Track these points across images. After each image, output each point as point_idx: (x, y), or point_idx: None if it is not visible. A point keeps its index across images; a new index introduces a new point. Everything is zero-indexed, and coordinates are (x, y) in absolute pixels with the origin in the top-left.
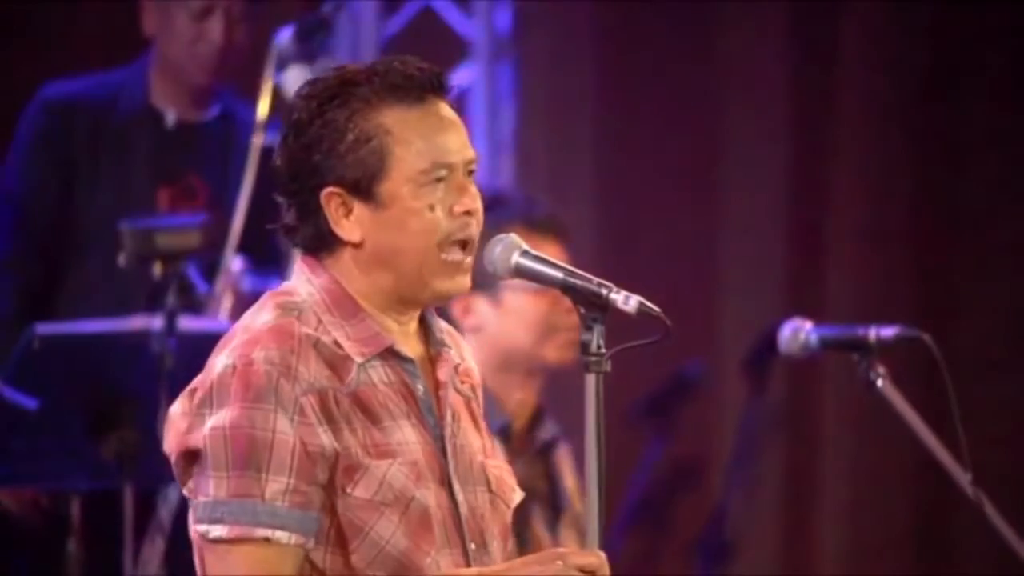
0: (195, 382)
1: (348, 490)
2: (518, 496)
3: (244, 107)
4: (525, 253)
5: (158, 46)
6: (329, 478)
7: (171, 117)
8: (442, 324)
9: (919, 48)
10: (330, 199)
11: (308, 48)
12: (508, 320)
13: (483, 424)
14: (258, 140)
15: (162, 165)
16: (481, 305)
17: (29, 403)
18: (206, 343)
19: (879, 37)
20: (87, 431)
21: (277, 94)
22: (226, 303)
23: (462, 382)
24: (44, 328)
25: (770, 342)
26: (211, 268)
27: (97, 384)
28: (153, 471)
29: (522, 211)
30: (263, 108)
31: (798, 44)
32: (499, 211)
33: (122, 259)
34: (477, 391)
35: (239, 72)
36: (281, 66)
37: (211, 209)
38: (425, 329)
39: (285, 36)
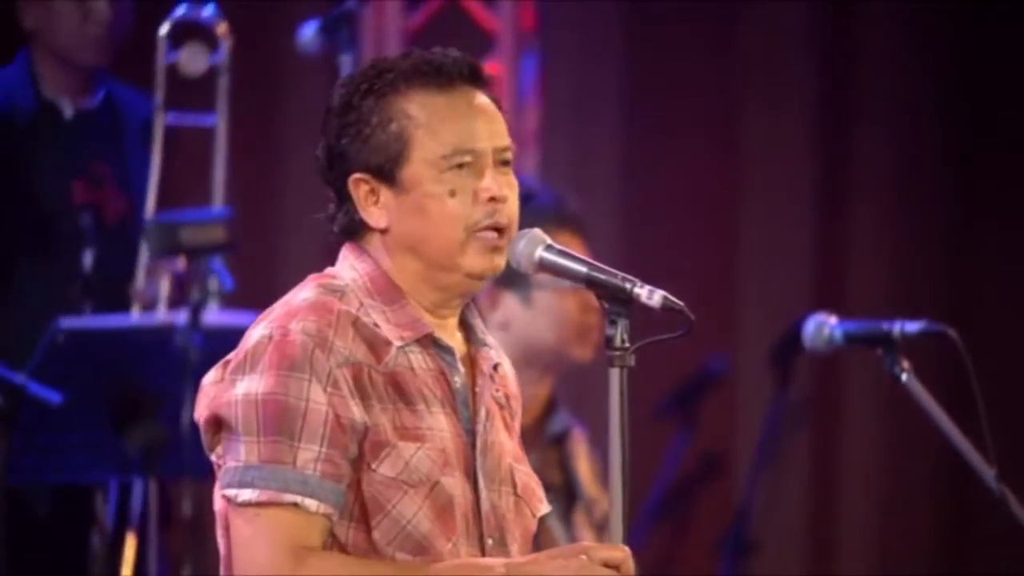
0: (231, 354)
1: (373, 466)
2: (545, 508)
3: (124, 89)
4: (549, 247)
5: (42, 38)
6: (357, 452)
7: (68, 109)
8: (486, 331)
9: (948, 39)
10: (358, 185)
11: (333, 42)
12: (537, 319)
13: (516, 434)
14: (160, 121)
15: (69, 158)
16: (510, 302)
17: (54, 397)
18: (231, 337)
19: (906, 27)
20: (112, 425)
21: (173, 74)
22: (164, 288)
23: (497, 389)
24: (68, 323)
25: (794, 337)
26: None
27: (122, 378)
28: (177, 465)
29: (549, 207)
30: (160, 91)
31: (822, 36)
32: (531, 207)
33: (147, 254)
34: (512, 402)
35: (125, 49)
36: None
37: (119, 195)
38: (466, 329)
39: (310, 30)
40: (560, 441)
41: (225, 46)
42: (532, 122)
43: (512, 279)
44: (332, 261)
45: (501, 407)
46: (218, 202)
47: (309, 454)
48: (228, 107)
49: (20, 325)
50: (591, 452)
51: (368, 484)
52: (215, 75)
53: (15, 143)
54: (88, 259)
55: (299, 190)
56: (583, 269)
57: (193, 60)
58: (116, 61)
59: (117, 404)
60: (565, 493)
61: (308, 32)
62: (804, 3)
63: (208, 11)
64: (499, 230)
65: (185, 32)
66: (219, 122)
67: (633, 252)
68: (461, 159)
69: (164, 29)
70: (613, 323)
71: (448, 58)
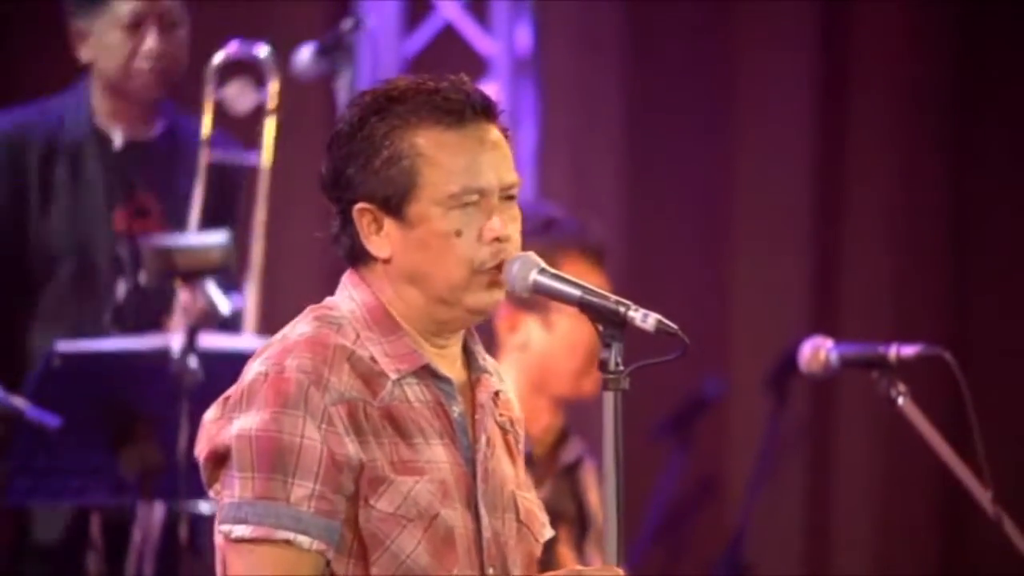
0: (229, 390)
1: (371, 502)
2: (548, 533)
3: (187, 121)
4: (543, 271)
5: (96, 69)
6: (354, 489)
7: (119, 138)
8: (486, 355)
9: (946, 56)
10: (362, 214)
11: (329, 65)
12: (555, 344)
13: (520, 459)
14: (204, 157)
15: (114, 187)
16: (530, 325)
17: (51, 421)
18: (226, 360)
19: (905, 35)
20: (108, 448)
21: (219, 109)
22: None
23: (501, 414)
24: (65, 346)
25: (790, 360)
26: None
27: (118, 401)
28: (173, 488)
29: (570, 235)
30: (206, 124)
31: (822, 55)
32: (553, 234)
33: (143, 278)
34: (516, 426)
35: (180, 82)
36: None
37: (165, 227)
38: (467, 356)
39: (306, 53)
40: (572, 471)
41: (272, 85)
42: (528, 147)
43: (534, 302)
44: (333, 287)
45: (505, 432)
46: (259, 240)
47: (303, 491)
48: (275, 146)
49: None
50: (599, 484)
51: (366, 520)
52: (262, 113)
53: (61, 169)
54: (121, 289)
55: (297, 215)
56: (576, 292)
57: (239, 97)
58: (170, 94)
59: (113, 427)
60: (578, 522)
61: (304, 55)
62: (806, 10)
63: (261, 49)
64: (498, 268)
65: (236, 69)
66: (263, 161)
67: (630, 275)
68: (468, 199)
69: (214, 63)
70: (607, 346)
71: (461, 92)
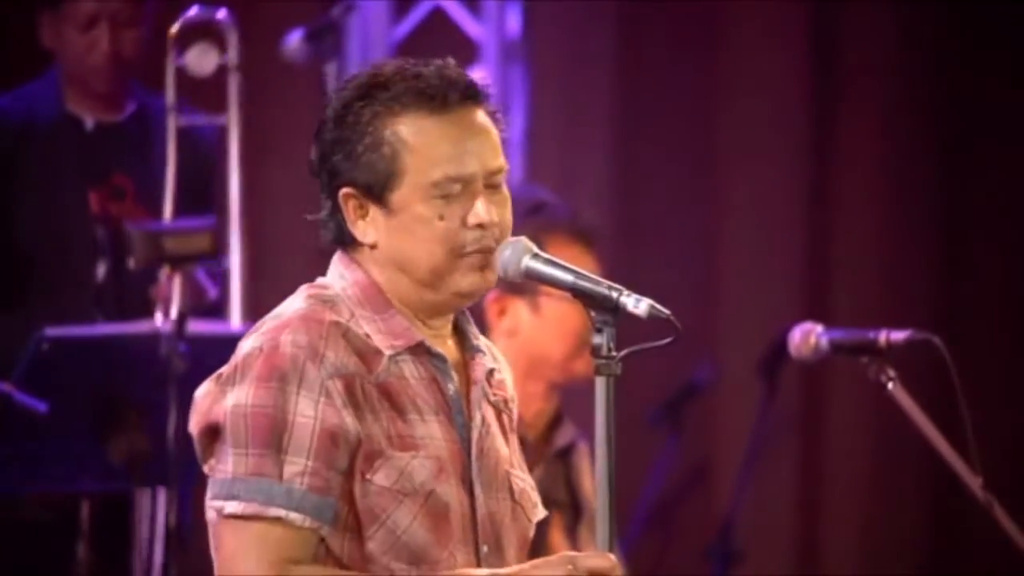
0: (222, 368)
1: (368, 476)
2: (540, 513)
3: (156, 99)
4: (535, 256)
5: (58, 58)
6: (349, 464)
7: (89, 121)
8: (479, 334)
9: (932, 47)
10: (347, 199)
11: (318, 50)
12: (544, 328)
13: (514, 439)
14: (172, 123)
15: (87, 169)
16: (519, 309)
17: (39, 406)
18: (215, 346)
19: (892, 37)
20: (96, 434)
21: (182, 75)
22: (176, 292)
23: (495, 394)
24: (53, 331)
25: (781, 346)
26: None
27: (106, 387)
28: (161, 474)
29: (561, 219)
30: (170, 91)
31: (811, 45)
32: (544, 217)
33: (131, 263)
34: (511, 404)
35: (138, 73)
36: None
37: (140, 207)
38: (460, 336)
39: (295, 38)
40: (566, 455)
41: (234, 46)
42: (518, 131)
43: (522, 286)
44: (319, 271)
45: (499, 411)
46: (234, 206)
47: (295, 467)
48: (239, 107)
49: (32, 336)
50: (592, 470)
51: (363, 495)
52: (225, 75)
53: (34, 153)
54: (101, 271)
55: (283, 199)
56: (569, 278)
57: (200, 61)
58: (128, 83)
59: (101, 413)
60: (571, 508)
61: (293, 40)
62: (795, 8)
63: (220, 13)
64: (486, 252)
65: (196, 34)
66: (231, 123)
67: (619, 261)
68: (451, 188)
69: (174, 30)
70: (599, 331)
71: (445, 77)
